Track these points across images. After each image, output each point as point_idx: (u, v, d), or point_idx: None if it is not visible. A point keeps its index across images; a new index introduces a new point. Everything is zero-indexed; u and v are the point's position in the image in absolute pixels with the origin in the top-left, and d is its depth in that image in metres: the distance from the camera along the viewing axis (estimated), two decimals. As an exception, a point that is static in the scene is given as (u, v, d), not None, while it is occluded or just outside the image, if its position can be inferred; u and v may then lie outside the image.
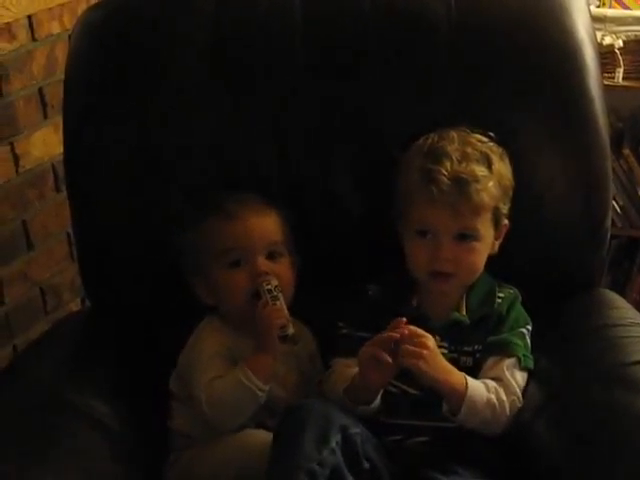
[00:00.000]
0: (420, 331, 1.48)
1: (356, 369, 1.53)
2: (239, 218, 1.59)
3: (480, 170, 1.54)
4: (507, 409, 1.52)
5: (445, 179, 1.52)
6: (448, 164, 1.54)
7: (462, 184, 1.52)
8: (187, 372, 1.58)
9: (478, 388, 1.51)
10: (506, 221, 1.61)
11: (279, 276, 1.58)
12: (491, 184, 1.55)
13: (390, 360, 1.46)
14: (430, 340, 1.49)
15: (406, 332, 1.47)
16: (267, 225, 1.61)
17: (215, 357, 1.56)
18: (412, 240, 1.59)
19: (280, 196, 1.70)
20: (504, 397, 1.52)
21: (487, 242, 1.58)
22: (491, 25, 1.71)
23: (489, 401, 1.51)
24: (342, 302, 1.67)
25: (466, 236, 1.55)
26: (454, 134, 1.59)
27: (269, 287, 1.55)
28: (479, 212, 1.55)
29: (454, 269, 1.56)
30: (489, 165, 1.56)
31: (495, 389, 1.52)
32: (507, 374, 1.55)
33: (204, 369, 1.55)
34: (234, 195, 1.63)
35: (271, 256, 1.60)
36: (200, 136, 1.71)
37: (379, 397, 1.53)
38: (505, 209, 1.59)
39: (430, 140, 1.59)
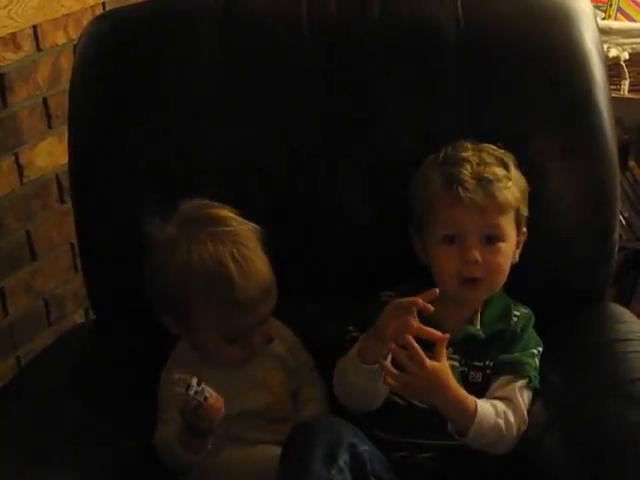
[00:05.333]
0: (436, 334, 1.47)
1: None
2: (254, 312, 1.53)
3: (500, 171, 1.56)
4: (514, 432, 1.51)
5: (469, 179, 1.53)
6: (469, 166, 1.55)
7: (485, 183, 1.53)
8: (159, 401, 1.59)
9: (487, 412, 1.50)
10: (525, 228, 1.61)
11: None
12: (511, 184, 1.56)
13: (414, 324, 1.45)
14: (443, 356, 1.47)
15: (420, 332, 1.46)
16: (270, 308, 1.57)
17: (176, 396, 1.51)
18: (438, 248, 1.57)
19: (289, 210, 1.70)
20: (512, 419, 1.51)
21: (512, 244, 1.58)
22: (499, 38, 1.70)
23: (497, 425, 1.50)
24: (353, 309, 1.66)
25: (492, 238, 1.55)
26: (467, 143, 1.60)
27: (192, 391, 1.41)
28: (504, 211, 1.55)
29: (483, 273, 1.55)
30: (506, 167, 1.57)
31: (504, 413, 1.51)
32: (518, 396, 1.54)
33: (167, 404, 1.55)
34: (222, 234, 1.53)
35: None
36: (207, 151, 1.71)
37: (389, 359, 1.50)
38: (525, 212, 1.60)
39: (443, 152, 1.60)
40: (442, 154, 1.60)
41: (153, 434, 1.56)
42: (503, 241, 1.56)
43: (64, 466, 1.42)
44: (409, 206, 1.63)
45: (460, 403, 1.48)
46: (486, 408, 1.50)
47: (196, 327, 1.54)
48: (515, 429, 1.51)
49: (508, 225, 1.57)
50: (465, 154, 1.57)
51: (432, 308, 1.45)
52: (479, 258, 1.54)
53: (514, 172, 1.58)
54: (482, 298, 1.61)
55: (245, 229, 1.55)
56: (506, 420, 1.51)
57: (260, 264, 1.53)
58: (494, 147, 1.60)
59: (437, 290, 1.47)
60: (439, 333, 1.47)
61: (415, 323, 1.46)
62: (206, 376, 1.50)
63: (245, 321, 1.52)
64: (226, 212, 1.56)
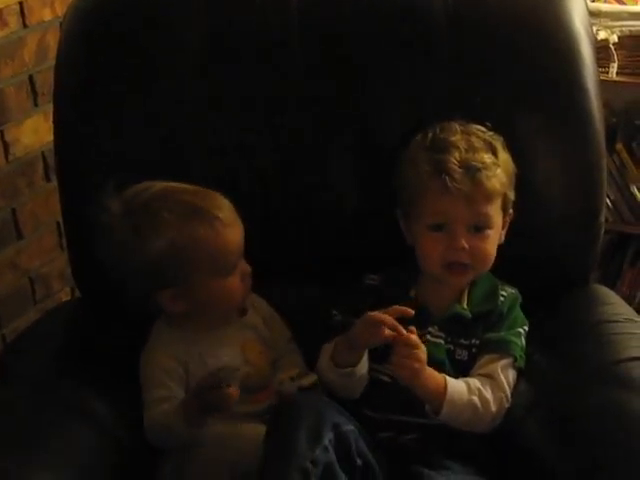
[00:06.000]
0: (415, 340, 1.47)
1: None
2: (234, 226, 1.56)
3: (488, 157, 1.55)
4: (492, 408, 1.52)
5: (456, 168, 1.52)
6: (457, 154, 1.54)
7: (473, 172, 1.52)
8: (141, 382, 1.59)
9: (458, 390, 1.50)
10: (511, 210, 1.61)
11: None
12: (499, 171, 1.55)
13: (388, 334, 1.46)
14: (423, 353, 1.47)
15: (404, 336, 1.46)
16: (242, 228, 1.59)
17: (165, 374, 1.56)
18: (425, 235, 1.58)
19: (277, 194, 1.71)
20: (488, 396, 1.52)
21: (498, 229, 1.59)
22: (488, 20, 1.70)
23: (470, 402, 1.51)
24: (338, 293, 1.67)
25: (480, 227, 1.55)
26: (455, 125, 1.59)
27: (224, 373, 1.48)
28: (491, 199, 1.55)
29: (469, 259, 1.56)
30: (494, 153, 1.57)
31: (478, 390, 1.52)
32: (500, 373, 1.55)
33: (153, 385, 1.56)
34: (201, 194, 1.57)
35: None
36: (193, 133, 1.70)
37: (365, 363, 1.53)
38: (512, 196, 1.60)
39: (431, 133, 1.59)
40: (430, 135, 1.59)
41: (138, 412, 1.55)
42: (490, 228, 1.57)
43: (49, 446, 1.41)
44: (395, 188, 1.63)
45: (429, 379, 1.49)
46: (458, 386, 1.51)
47: (192, 279, 1.54)
48: (494, 405, 1.52)
49: (495, 212, 1.57)
50: (454, 138, 1.56)
51: (403, 331, 1.46)
52: (466, 245, 1.54)
53: (502, 156, 1.58)
54: (468, 281, 1.62)
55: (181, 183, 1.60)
56: (481, 397, 1.51)
57: (215, 192, 1.57)
58: (483, 129, 1.60)
59: (412, 312, 1.47)
60: (416, 340, 1.47)
61: (387, 332, 1.46)
62: (185, 350, 1.57)
63: (229, 239, 1.54)
64: (159, 181, 1.59)
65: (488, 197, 1.54)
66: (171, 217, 1.52)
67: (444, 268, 1.57)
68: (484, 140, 1.58)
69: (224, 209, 1.55)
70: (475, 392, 1.51)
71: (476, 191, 1.53)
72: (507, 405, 1.54)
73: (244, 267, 1.59)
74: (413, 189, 1.58)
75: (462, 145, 1.55)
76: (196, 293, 1.56)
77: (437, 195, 1.54)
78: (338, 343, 1.55)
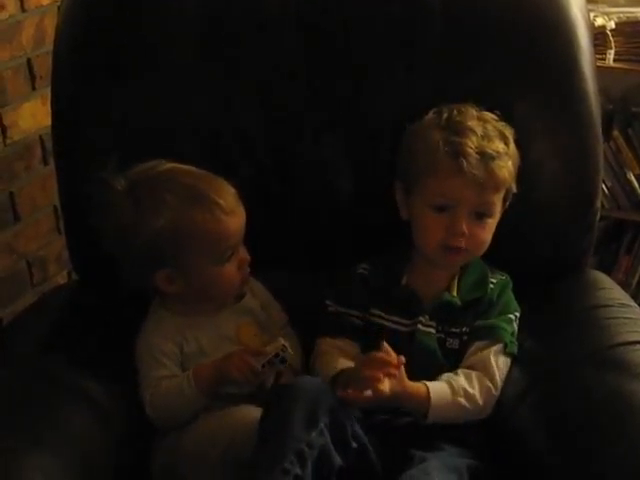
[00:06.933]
0: (390, 359, 1.45)
1: (342, 361, 1.55)
2: (235, 214, 1.56)
3: (502, 147, 1.55)
4: (479, 402, 1.52)
5: (473, 153, 1.52)
6: (474, 138, 1.54)
7: (488, 160, 1.53)
8: (137, 363, 1.60)
9: (442, 395, 1.50)
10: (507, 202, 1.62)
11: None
12: (510, 162, 1.56)
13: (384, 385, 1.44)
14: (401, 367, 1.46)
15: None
16: (244, 215, 1.59)
17: (163, 355, 1.57)
18: (426, 213, 1.57)
19: (272, 179, 1.71)
20: (474, 391, 1.52)
21: (497, 219, 1.59)
22: (484, 5, 1.70)
23: (455, 402, 1.51)
24: (331, 282, 1.68)
25: (482, 214, 1.56)
26: (472, 110, 1.59)
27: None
28: (499, 188, 1.56)
29: (467, 244, 1.56)
30: (506, 143, 1.57)
31: (463, 389, 1.52)
32: (492, 360, 1.55)
33: (152, 366, 1.57)
34: (205, 179, 1.57)
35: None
36: (190, 118, 1.70)
37: None
38: (514, 189, 1.60)
39: (446, 114, 1.59)
40: (446, 116, 1.58)
41: (134, 394, 1.57)
42: (491, 217, 1.57)
43: (49, 427, 1.42)
44: (397, 160, 1.63)
45: (413, 396, 1.49)
46: (441, 391, 1.51)
47: (189, 263, 1.55)
48: (480, 399, 1.52)
49: (498, 201, 1.58)
50: (470, 123, 1.56)
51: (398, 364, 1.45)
52: (466, 231, 1.54)
53: (512, 147, 1.58)
54: (460, 264, 1.62)
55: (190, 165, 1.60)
56: (467, 395, 1.52)
57: (220, 178, 1.57)
58: (496, 117, 1.60)
59: (403, 360, 1.45)
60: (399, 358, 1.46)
61: (381, 375, 1.44)
62: (181, 332, 1.58)
63: (229, 226, 1.54)
64: (167, 160, 1.59)
65: (497, 186, 1.55)
66: (173, 199, 1.52)
67: (440, 249, 1.57)
68: (498, 130, 1.58)
69: (227, 196, 1.55)
70: (460, 392, 1.51)
71: (488, 179, 1.53)
72: (496, 394, 1.54)
73: (243, 255, 1.59)
74: (422, 165, 1.57)
75: (479, 131, 1.55)
76: (191, 277, 1.56)
77: (448, 176, 1.53)
78: (340, 378, 1.51)
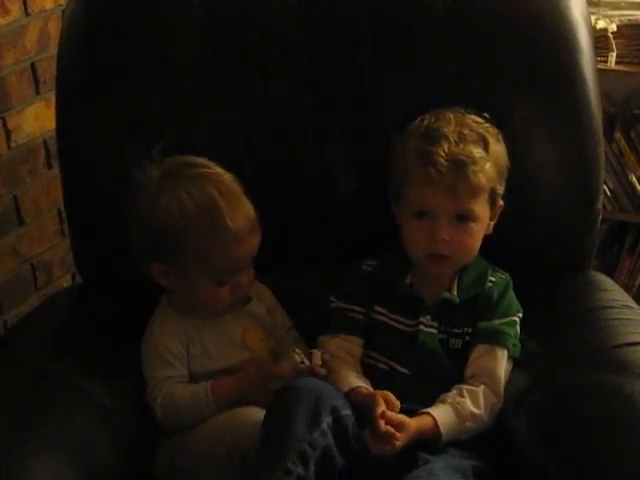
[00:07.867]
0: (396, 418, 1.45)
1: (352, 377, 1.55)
2: (245, 241, 1.54)
3: (477, 152, 1.55)
4: (485, 419, 1.53)
5: (443, 161, 1.52)
6: (446, 145, 1.53)
7: (460, 165, 1.52)
8: (144, 363, 1.61)
9: (450, 422, 1.50)
10: (501, 202, 1.61)
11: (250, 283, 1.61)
12: (488, 166, 1.55)
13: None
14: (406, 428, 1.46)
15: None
16: (256, 243, 1.58)
17: (170, 354, 1.58)
18: (409, 222, 1.59)
19: (275, 180, 1.72)
20: (480, 411, 1.52)
21: (483, 223, 1.59)
22: (486, 6, 1.71)
23: (463, 426, 1.51)
24: (335, 277, 1.68)
25: (463, 217, 1.55)
26: (450, 115, 1.59)
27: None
28: (476, 194, 1.55)
29: (450, 251, 1.56)
30: (485, 147, 1.56)
31: (470, 413, 1.52)
32: (497, 371, 1.56)
33: (159, 365, 1.58)
34: (229, 196, 1.55)
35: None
36: (192, 119, 1.71)
37: None
38: (501, 190, 1.59)
39: (426, 121, 1.59)
40: (425, 123, 1.59)
41: (139, 395, 1.57)
42: (473, 221, 1.57)
43: (54, 428, 1.42)
44: (386, 172, 1.64)
45: (423, 432, 1.48)
46: (449, 419, 1.50)
47: (186, 269, 1.56)
48: (486, 416, 1.53)
49: (480, 206, 1.57)
50: (446, 129, 1.56)
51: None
52: (447, 237, 1.55)
53: (495, 149, 1.58)
54: (449, 272, 1.62)
55: (227, 175, 1.59)
56: (474, 417, 1.52)
57: (245, 200, 1.56)
58: (478, 120, 1.59)
59: (399, 405, 1.47)
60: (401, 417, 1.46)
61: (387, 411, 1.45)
62: (187, 333, 1.59)
63: (235, 253, 1.54)
64: (208, 162, 1.59)
65: (473, 192, 1.54)
66: (189, 205, 1.52)
67: (425, 257, 1.58)
68: (477, 133, 1.57)
69: (241, 220, 1.53)
70: (467, 417, 1.52)
71: (461, 185, 1.53)
72: (500, 405, 1.55)
73: (241, 280, 1.58)
74: (401, 175, 1.59)
75: (453, 137, 1.54)
76: (183, 280, 1.57)
77: (422, 185, 1.55)
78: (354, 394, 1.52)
